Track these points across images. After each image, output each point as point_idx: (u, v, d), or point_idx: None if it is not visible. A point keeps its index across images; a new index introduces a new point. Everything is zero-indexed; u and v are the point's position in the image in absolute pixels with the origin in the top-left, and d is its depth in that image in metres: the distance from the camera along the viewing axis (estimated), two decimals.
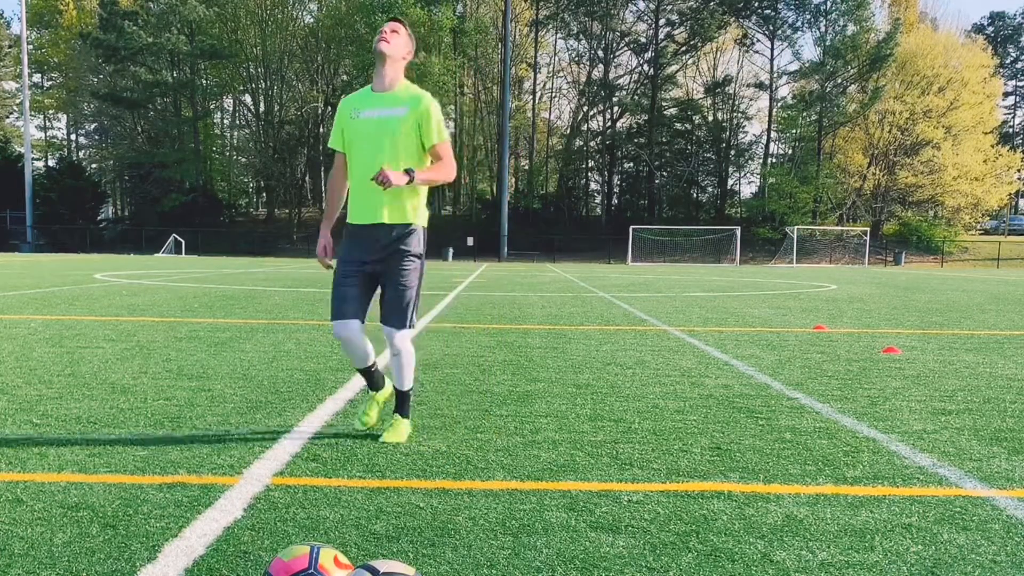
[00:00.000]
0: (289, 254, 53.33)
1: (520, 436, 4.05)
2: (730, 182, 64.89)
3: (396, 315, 3.88)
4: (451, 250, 48.88)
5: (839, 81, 55.93)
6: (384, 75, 3.85)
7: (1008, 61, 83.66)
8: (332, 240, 4.08)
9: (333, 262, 4.03)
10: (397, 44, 3.83)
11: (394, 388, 4.12)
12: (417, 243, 3.89)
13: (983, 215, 60.25)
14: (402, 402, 4.07)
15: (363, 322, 3.94)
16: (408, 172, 3.69)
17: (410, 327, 3.92)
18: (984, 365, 6.74)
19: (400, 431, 3.96)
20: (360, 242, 3.88)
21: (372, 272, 3.90)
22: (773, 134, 61.40)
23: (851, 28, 55.07)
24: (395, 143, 3.76)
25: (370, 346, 4.04)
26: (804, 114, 56.84)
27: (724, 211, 62.04)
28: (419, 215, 3.92)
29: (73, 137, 76.25)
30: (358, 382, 5.46)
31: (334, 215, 4.16)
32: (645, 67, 61.73)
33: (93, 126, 71.56)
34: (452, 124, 65.45)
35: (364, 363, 4.07)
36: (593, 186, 68.59)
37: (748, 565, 2.48)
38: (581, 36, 62.18)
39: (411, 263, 3.86)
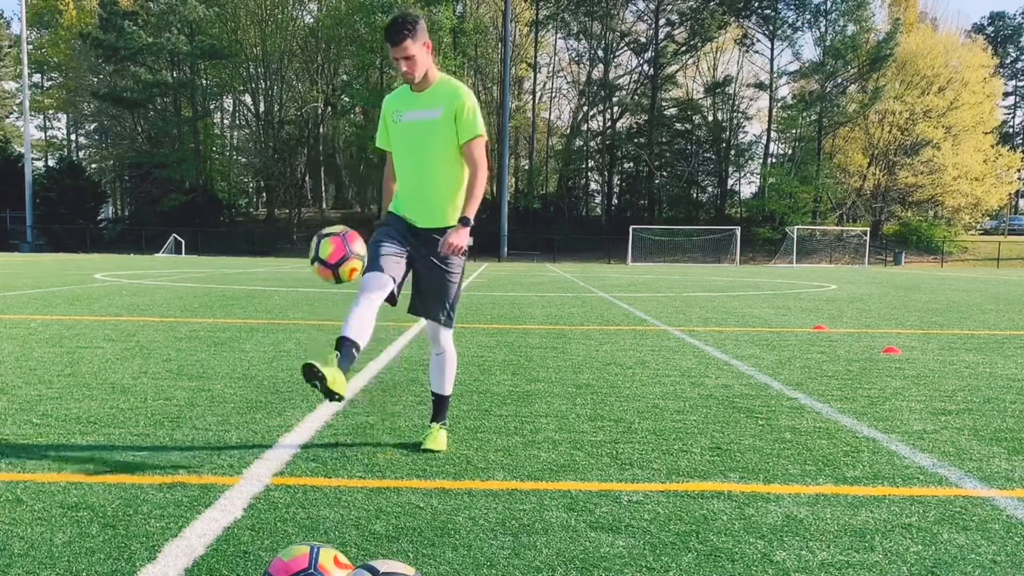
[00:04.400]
0: (289, 254, 53.32)
1: (520, 436, 4.05)
2: (730, 182, 64.89)
3: (440, 308, 3.73)
4: None
5: (839, 81, 55.96)
6: (425, 77, 3.69)
7: (1008, 61, 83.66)
8: None
9: None
10: (417, 59, 3.59)
11: (433, 394, 3.94)
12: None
13: (983, 215, 60.25)
14: (443, 409, 3.91)
15: (395, 293, 3.59)
16: (463, 222, 3.62)
17: (451, 327, 3.83)
18: (984, 365, 6.74)
19: (440, 439, 3.80)
20: (407, 231, 3.72)
21: (410, 254, 3.69)
22: (773, 134, 61.41)
23: (851, 28, 55.10)
24: (434, 147, 3.67)
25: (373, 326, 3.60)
26: (804, 114, 56.84)
27: (724, 211, 62.03)
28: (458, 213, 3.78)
29: (73, 137, 76.26)
30: (358, 382, 5.46)
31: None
32: (645, 67, 61.74)
33: (93, 126, 71.55)
34: None
35: (363, 335, 3.47)
36: (593, 186, 68.59)
37: (748, 565, 2.48)
38: (581, 36, 62.17)
39: (454, 259, 3.73)
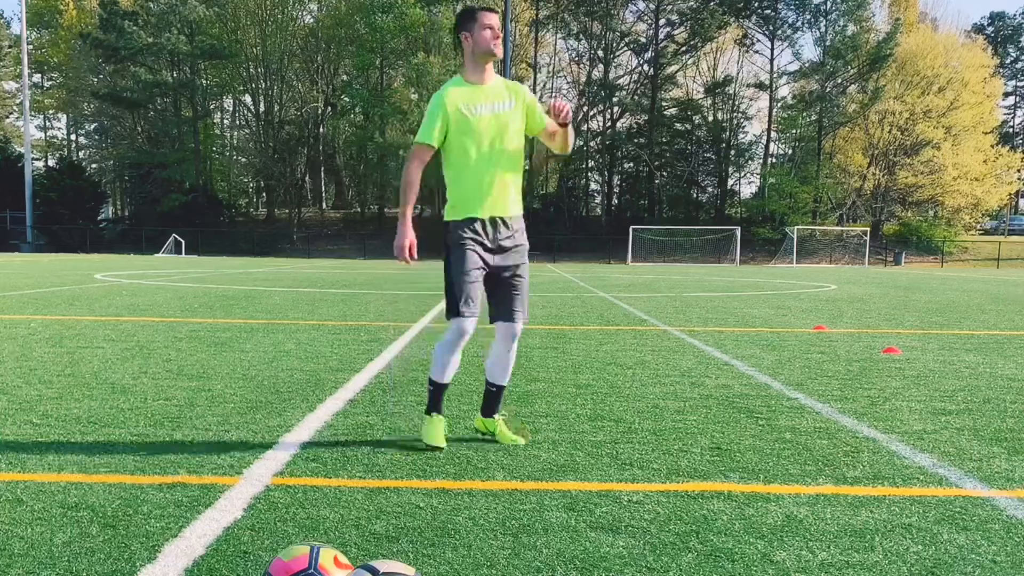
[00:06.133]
0: (289, 254, 53.34)
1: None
2: (730, 182, 64.91)
3: (524, 308, 3.90)
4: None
5: (839, 81, 55.95)
6: (487, 69, 3.82)
7: (1008, 61, 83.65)
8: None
9: (415, 261, 3.87)
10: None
11: (495, 386, 4.00)
12: (524, 234, 3.95)
13: (983, 215, 60.25)
14: (500, 399, 4.04)
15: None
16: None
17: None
18: (984, 365, 6.74)
19: (511, 430, 3.99)
20: (481, 238, 3.78)
21: (487, 271, 3.83)
22: (773, 134, 61.40)
23: (851, 28, 55.10)
24: (511, 138, 3.81)
25: None
26: (804, 114, 56.86)
27: (724, 211, 62.04)
28: (521, 204, 3.97)
29: (73, 137, 76.26)
30: (358, 382, 5.46)
31: (412, 209, 3.92)
32: (645, 67, 61.74)
33: (93, 126, 71.54)
34: None
35: (451, 374, 3.90)
36: (593, 186, 68.59)
37: (748, 565, 2.48)
38: (581, 36, 62.16)
39: (526, 258, 3.92)
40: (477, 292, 3.77)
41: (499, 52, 3.78)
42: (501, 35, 3.79)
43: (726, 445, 3.92)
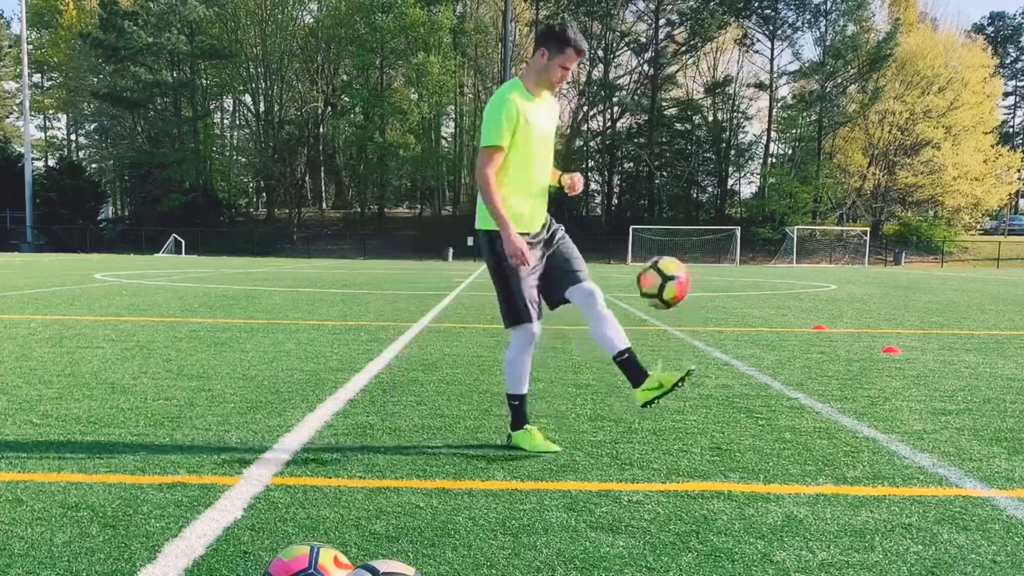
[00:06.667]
0: (289, 254, 53.32)
1: None
2: (730, 182, 64.90)
3: (582, 268, 3.83)
4: (451, 250, 48.89)
5: (839, 81, 55.96)
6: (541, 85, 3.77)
7: (1008, 61, 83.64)
8: None
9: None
10: None
11: (621, 353, 3.65)
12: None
13: (983, 215, 60.25)
14: (635, 362, 3.63)
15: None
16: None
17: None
18: (984, 365, 6.73)
19: (660, 379, 3.60)
20: (530, 246, 3.72)
21: (535, 266, 3.80)
22: (773, 134, 61.40)
23: (851, 28, 55.12)
24: (552, 151, 3.87)
25: None
26: (804, 114, 56.86)
27: (724, 211, 62.03)
28: None
29: (73, 137, 76.27)
30: (358, 382, 5.46)
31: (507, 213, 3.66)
32: (645, 67, 61.73)
33: (93, 126, 71.55)
34: (452, 124, 65.54)
35: (527, 382, 3.87)
36: (593, 186, 68.53)
37: (748, 565, 2.48)
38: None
39: (562, 228, 3.92)
40: (535, 293, 3.76)
41: (559, 88, 3.83)
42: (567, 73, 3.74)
43: (726, 445, 3.92)
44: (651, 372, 3.65)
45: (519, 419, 3.83)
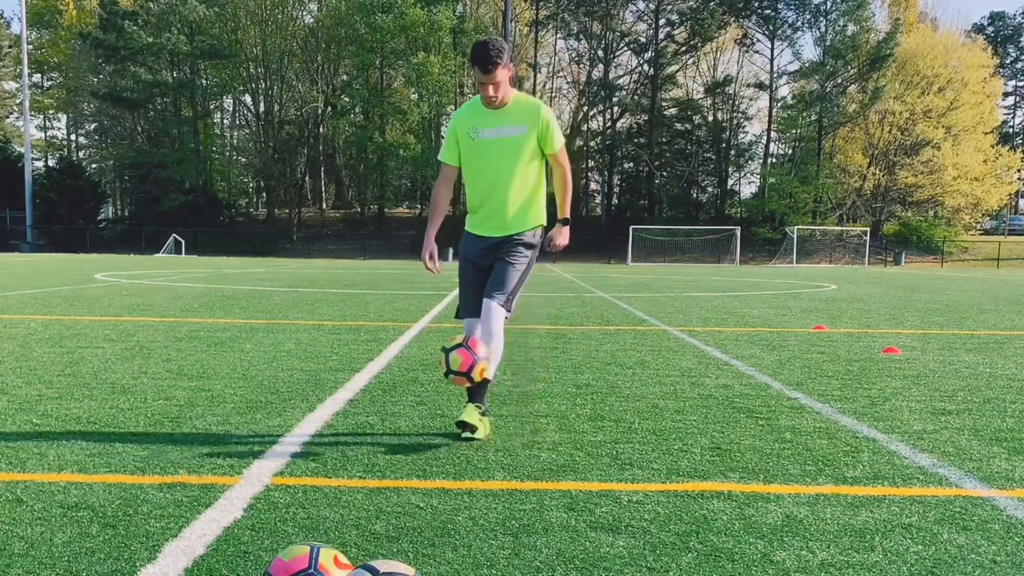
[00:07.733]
0: (289, 254, 53.35)
1: (520, 436, 4.04)
2: (730, 182, 64.94)
3: (497, 288, 3.93)
4: (451, 250, 48.87)
5: (839, 81, 55.96)
6: (496, 98, 3.84)
7: (1008, 61, 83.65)
8: (436, 247, 4.14)
9: (441, 266, 4.16)
10: (502, 85, 3.79)
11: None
12: (532, 236, 4.04)
13: (983, 215, 60.25)
14: (483, 389, 4.02)
15: None
16: (564, 223, 4.08)
17: (506, 309, 3.96)
18: (984, 365, 6.73)
19: (476, 417, 3.94)
20: (481, 250, 4.06)
21: (487, 269, 4.05)
22: (773, 134, 61.44)
23: (851, 28, 55.12)
24: (513, 162, 3.89)
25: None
26: (804, 114, 56.86)
27: (724, 211, 62.06)
28: (539, 217, 4.07)
29: (73, 137, 76.27)
30: (358, 382, 5.47)
31: (438, 224, 4.19)
32: (645, 67, 61.76)
33: (93, 126, 71.58)
34: None
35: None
36: (593, 186, 68.60)
37: (748, 565, 2.48)
38: (581, 36, 62.19)
39: (522, 250, 4.00)
40: (475, 301, 4.05)
41: (497, 102, 3.83)
42: (499, 83, 3.78)
43: (726, 445, 3.92)
44: (485, 410, 4.02)
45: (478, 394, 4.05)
